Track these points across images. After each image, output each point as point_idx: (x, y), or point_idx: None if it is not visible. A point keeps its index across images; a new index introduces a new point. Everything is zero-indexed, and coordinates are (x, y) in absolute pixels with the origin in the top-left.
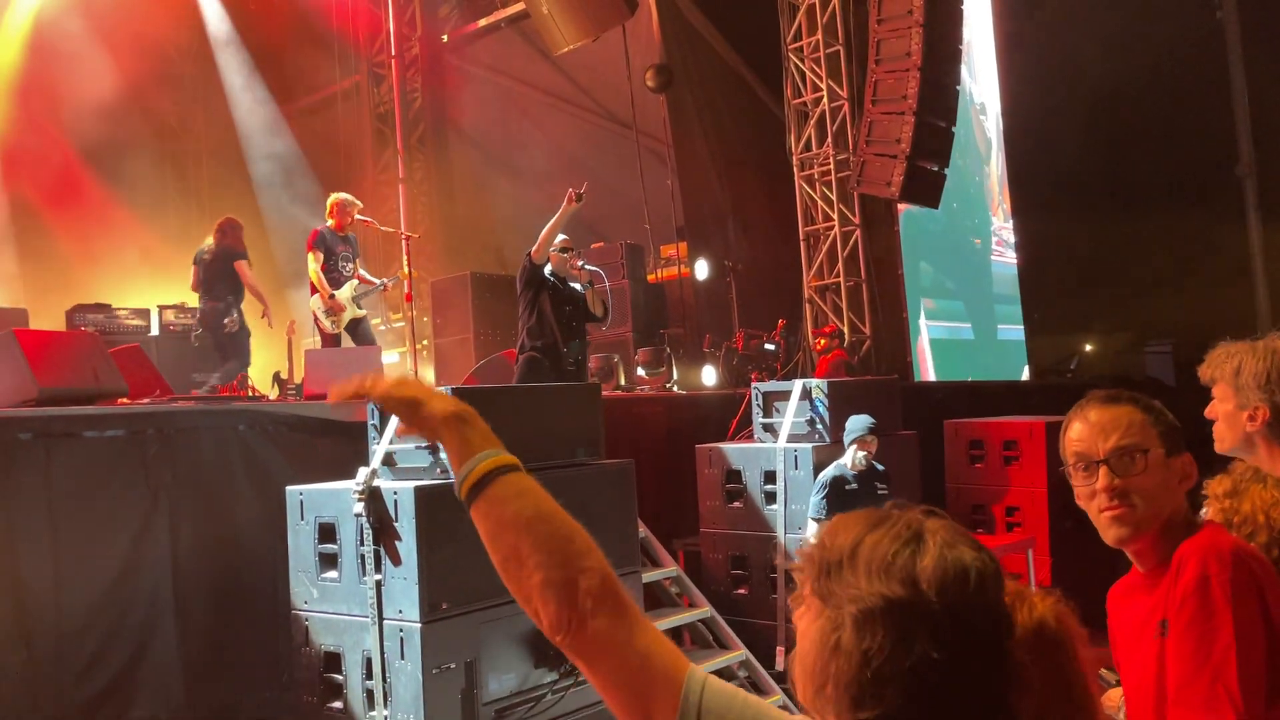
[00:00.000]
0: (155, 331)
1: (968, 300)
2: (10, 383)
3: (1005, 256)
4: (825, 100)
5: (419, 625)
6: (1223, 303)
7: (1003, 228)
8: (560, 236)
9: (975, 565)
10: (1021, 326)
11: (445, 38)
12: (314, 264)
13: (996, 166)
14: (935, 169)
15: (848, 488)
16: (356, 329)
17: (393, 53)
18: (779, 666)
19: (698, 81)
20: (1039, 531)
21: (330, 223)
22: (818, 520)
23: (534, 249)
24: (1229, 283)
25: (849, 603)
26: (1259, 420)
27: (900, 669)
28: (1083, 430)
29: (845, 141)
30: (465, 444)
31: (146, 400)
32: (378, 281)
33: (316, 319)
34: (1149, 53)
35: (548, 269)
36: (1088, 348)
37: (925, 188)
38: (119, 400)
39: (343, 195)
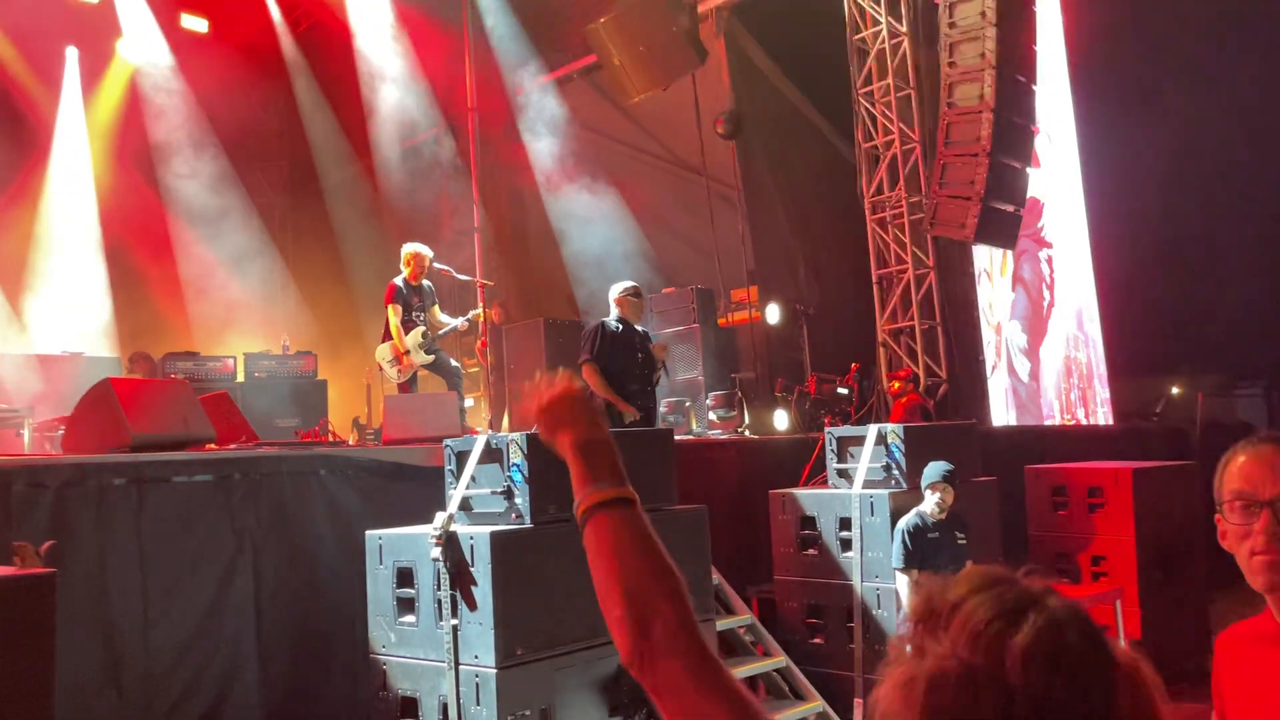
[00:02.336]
0: (241, 378)
1: None
2: (105, 429)
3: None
4: (897, 143)
5: (495, 671)
6: None
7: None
8: (630, 284)
9: (1075, 652)
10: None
11: (520, 90)
12: (394, 318)
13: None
14: (1010, 209)
15: (929, 536)
16: (436, 362)
17: (470, 104)
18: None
19: (767, 127)
20: (1127, 582)
21: (405, 273)
22: (902, 570)
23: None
24: None
25: (931, 659)
26: None
27: None
28: (1250, 468)
29: (917, 184)
30: (588, 471)
31: (233, 445)
32: (452, 321)
33: (381, 369)
34: (1234, 84)
35: (614, 315)
36: (1174, 390)
37: (1000, 229)
38: (207, 446)
39: (416, 246)
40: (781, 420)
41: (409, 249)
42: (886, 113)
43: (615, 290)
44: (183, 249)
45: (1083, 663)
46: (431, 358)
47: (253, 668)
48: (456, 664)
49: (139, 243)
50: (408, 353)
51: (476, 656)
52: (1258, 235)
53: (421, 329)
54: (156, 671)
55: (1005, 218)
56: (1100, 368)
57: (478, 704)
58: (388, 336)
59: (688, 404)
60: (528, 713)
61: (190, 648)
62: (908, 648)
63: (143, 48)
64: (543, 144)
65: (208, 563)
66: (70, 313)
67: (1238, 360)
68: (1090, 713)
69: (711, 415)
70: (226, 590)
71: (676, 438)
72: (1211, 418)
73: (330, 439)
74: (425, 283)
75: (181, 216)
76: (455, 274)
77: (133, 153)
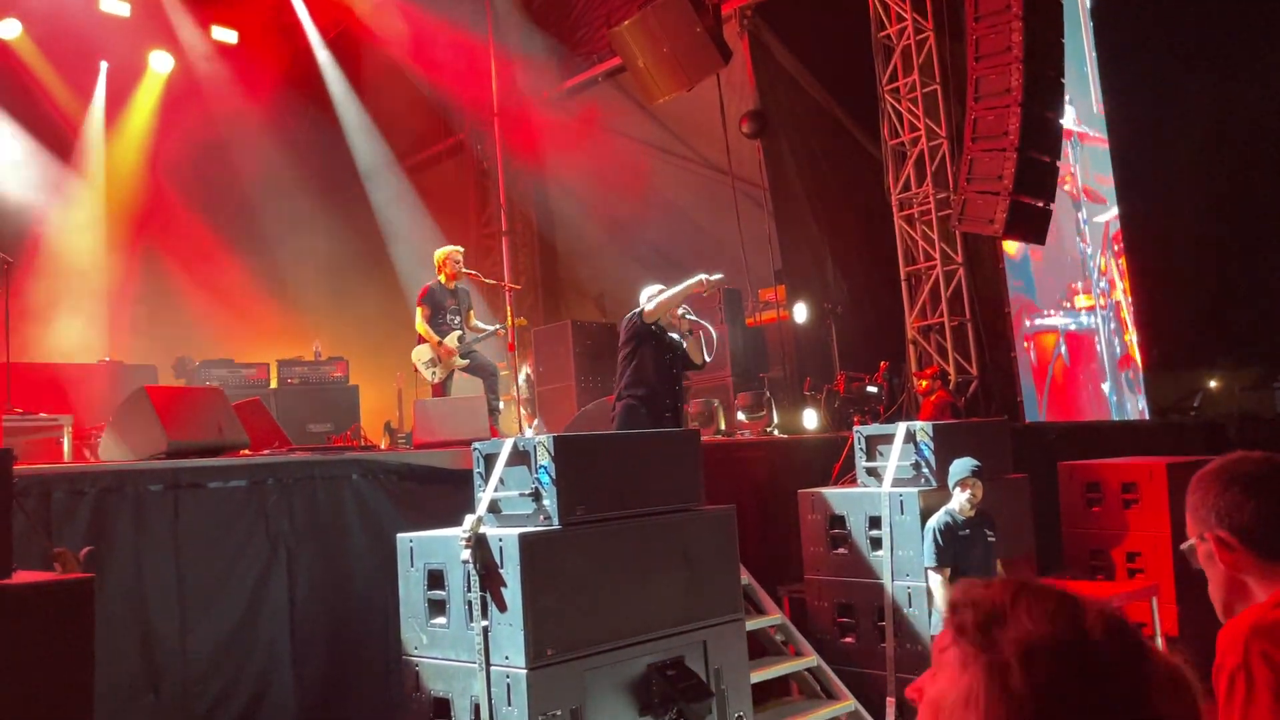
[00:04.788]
0: (274, 385)
1: None
2: (142, 436)
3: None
4: (924, 139)
5: (525, 671)
6: None
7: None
8: (702, 275)
9: (1129, 622)
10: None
11: (545, 94)
12: (420, 317)
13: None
14: (1040, 204)
15: (961, 534)
16: (472, 364)
17: (495, 110)
18: (890, 719)
19: (793, 125)
20: (1163, 578)
21: (441, 277)
22: (934, 569)
23: (648, 309)
24: None
25: (1013, 644)
26: None
27: (1069, 708)
28: None
29: (945, 180)
30: None
31: (267, 451)
32: (489, 328)
33: (417, 370)
34: (1268, 79)
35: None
36: (1211, 384)
37: (1030, 223)
38: (241, 452)
39: (449, 249)
40: (810, 419)
41: (441, 252)
42: (913, 109)
43: (647, 293)
44: (216, 256)
45: (1138, 633)
46: (466, 361)
47: (287, 670)
48: (488, 665)
49: (174, 253)
50: (440, 343)
51: (507, 657)
52: None
53: (458, 333)
54: (193, 675)
55: (1034, 212)
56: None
57: (509, 704)
58: (422, 340)
59: (716, 404)
60: (559, 713)
61: (226, 651)
62: (969, 649)
63: (174, 59)
64: (568, 147)
65: (243, 567)
66: (103, 322)
67: (1275, 353)
68: (1149, 679)
69: (740, 415)
70: (261, 593)
71: (705, 438)
72: (1248, 411)
73: (362, 443)
74: (461, 286)
75: (214, 224)
76: (483, 278)
77: (165, 161)
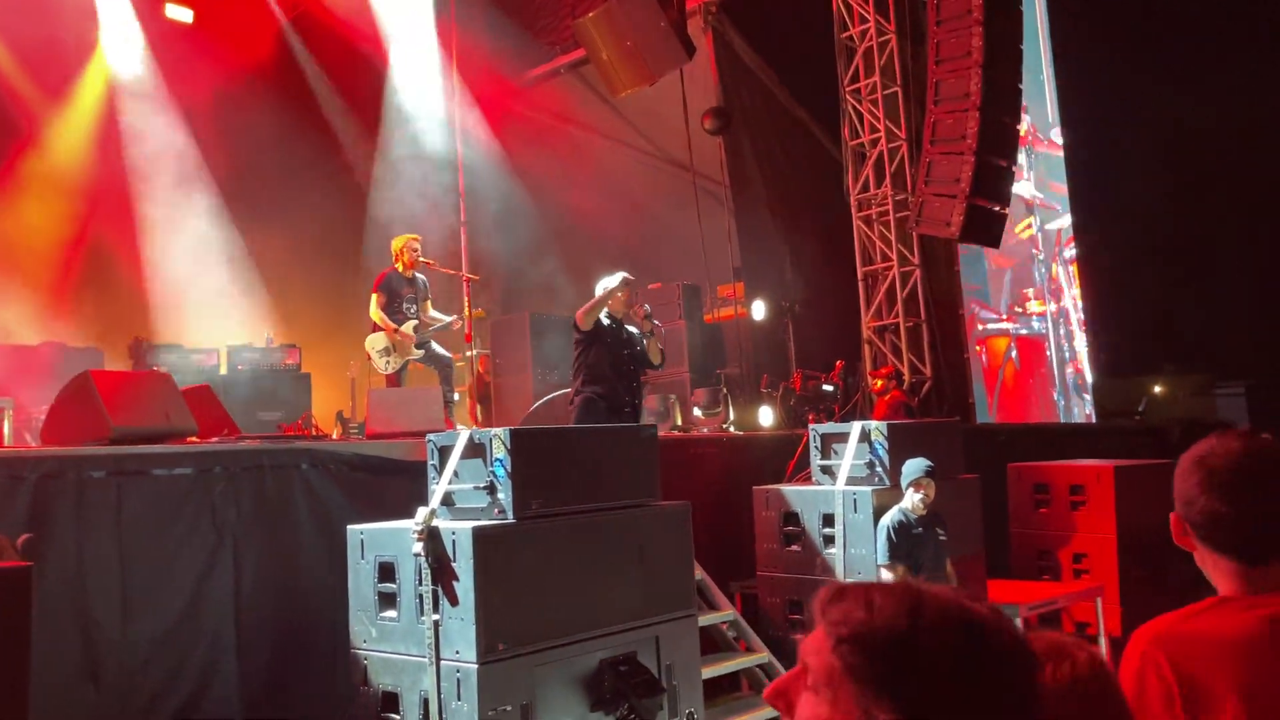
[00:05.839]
0: (224, 371)
1: None
2: (85, 421)
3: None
4: (883, 141)
5: (476, 666)
6: None
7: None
8: (622, 275)
9: (1027, 642)
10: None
11: (507, 83)
12: (375, 304)
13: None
14: (996, 208)
15: (914, 532)
16: (427, 354)
17: (455, 97)
18: None
19: (755, 123)
20: (1108, 579)
21: (398, 265)
22: (887, 567)
23: (579, 315)
24: None
25: (931, 702)
26: None
27: None
28: None
29: (903, 182)
30: None
31: (215, 439)
32: (445, 319)
33: (371, 359)
34: (1218, 87)
35: (604, 312)
36: (1156, 390)
37: (985, 227)
38: (189, 439)
39: (406, 236)
40: (766, 417)
41: (399, 239)
42: (873, 110)
43: (608, 283)
44: (166, 241)
45: (1030, 651)
46: (421, 351)
47: (231, 662)
48: (438, 659)
49: (121, 234)
50: (397, 331)
51: (458, 652)
52: (1240, 236)
53: (414, 322)
54: (134, 666)
55: (990, 216)
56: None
57: (459, 699)
58: (377, 327)
59: (673, 399)
60: (509, 708)
61: (169, 642)
62: (868, 694)
63: (123, 39)
64: (529, 137)
65: (187, 556)
66: (49, 303)
67: (1219, 360)
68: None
69: (697, 411)
70: (206, 584)
71: (661, 434)
72: (1193, 416)
73: (313, 433)
74: (419, 275)
75: (165, 207)
76: (440, 267)
77: (115, 142)
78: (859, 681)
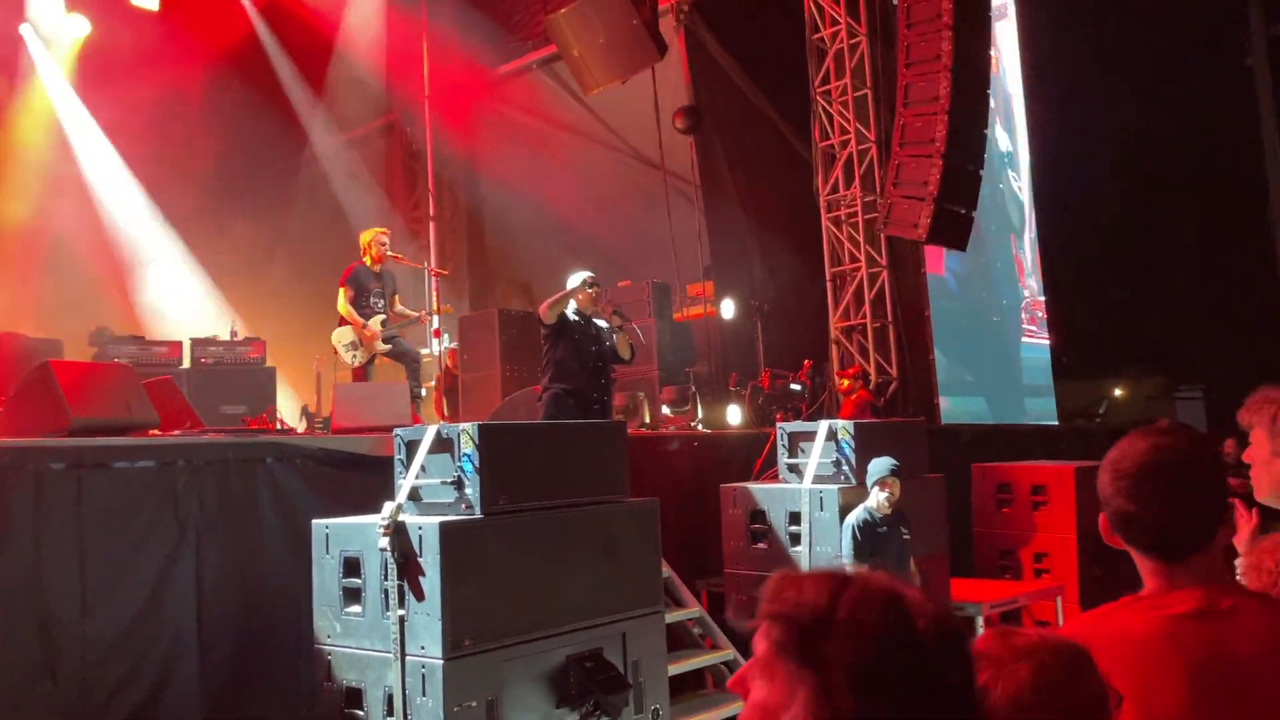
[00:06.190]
0: (187, 364)
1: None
2: (44, 413)
3: (1038, 337)
4: (853, 142)
5: (441, 662)
6: (1254, 348)
7: (1035, 302)
8: (586, 274)
9: (956, 620)
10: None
11: (478, 78)
12: (343, 298)
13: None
14: (963, 211)
15: (878, 531)
16: (394, 350)
17: (425, 92)
18: None
19: (726, 123)
20: (1068, 579)
21: (366, 259)
22: (852, 564)
23: (542, 309)
24: (1260, 328)
25: (843, 667)
26: None
27: None
28: None
29: (873, 184)
30: None
31: (177, 432)
32: (413, 314)
33: (337, 353)
34: (1179, 100)
35: (572, 308)
36: (1117, 392)
37: (952, 230)
38: (150, 432)
39: (375, 230)
40: (734, 415)
41: (367, 233)
42: (843, 112)
43: (572, 280)
44: (129, 231)
45: (960, 629)
46: (389, 346)
47: (192, 657)
48: (403, 655)
49: (82, 223)
50: (364, 326)
51: (423, 647)
52: (1199, 243)
53: (381, 316)
54: (93, 661)
55: (958, 219)
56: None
57: (424, 695)
58: (344, 321)
59: (641, 397)
60: (474, 704)
61: (129, 637)
62: (793, 667)
63: (90, 24)
64: (500, 133)
65: (149, 550)
66: (8, 292)
67: (1178, 363)
68: (973, 677)
69: (665, 409)
70: (168, 579)
71: (630, 431)
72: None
73: (278, 427)
74: (386, 269)
75: (128, 198)
76: (409, 262)
77: (77, 129)
78: (786, 658)
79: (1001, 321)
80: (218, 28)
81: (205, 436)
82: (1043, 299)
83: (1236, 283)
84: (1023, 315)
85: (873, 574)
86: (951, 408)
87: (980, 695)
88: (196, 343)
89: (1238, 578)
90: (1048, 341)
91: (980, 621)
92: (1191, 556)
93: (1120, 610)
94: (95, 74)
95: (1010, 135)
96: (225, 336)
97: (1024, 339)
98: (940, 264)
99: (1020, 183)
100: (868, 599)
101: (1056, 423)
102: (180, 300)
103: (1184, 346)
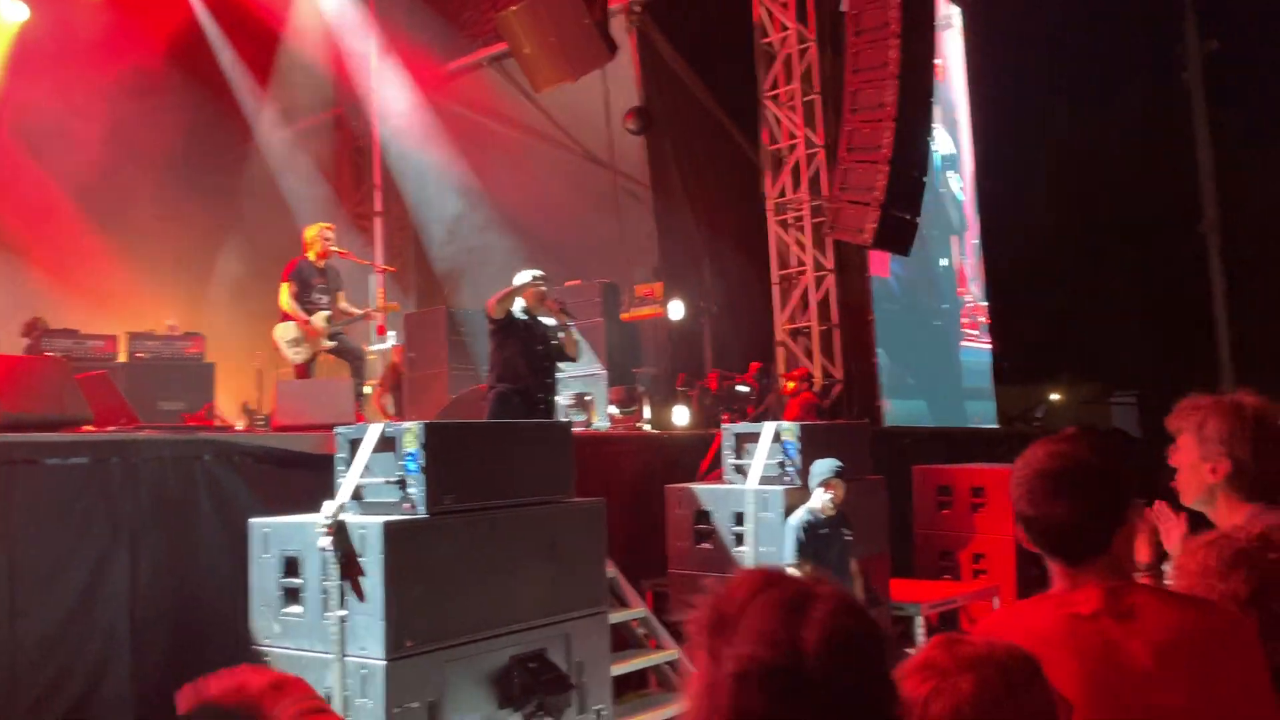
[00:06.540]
0: (123, 359)
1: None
2: None
3: (978, 341)
4: (801, 147)
5: (383, 663)
6: (1187, 355)
7: (976, 307)
8: (536, 273)
9: (860, 637)
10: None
11: (428, 73)
12: (285, 293)
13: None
14: (908, 217)
15: (821, 532)
16: (338, 347)
17: (372, 86)
18: None
19: (676, 124)
20: (1005, 579)
21: (310, 255)
22: (794, 566)
23: (489, 304)
24: (1193, 336)
25: (730, 662)
26: (1219, 474)
27: None
28: None
29: (820, 188)
30: (281, 703)
31: (112, 428)
32: (358, 311)
33: (279, 349)
34: (1117, 113)
35: (519, 307)
36: (1054, 397)
37: (898, 235)
38: (84, 428)
39: (319, 225)
40: (681, 416)
41: (312, 229)
42: (792, 116)
43: (520, 277)
44: (64, 221)
45: (866, 644)
46: (334, 343)
47: (125, 658)
48: (343, 656)
49: (15, 212)
50: (308, 321)
51: (364, 648)
52: (1135, 252)
53: (326, 313)
54: (22, 663)
55: (903, 225)
56: None
57: (364, 696)
58: (286, 317)
59: (588, 397)
60: (416, 705)
61: (60, 638)
62: (702, 654)
63: (28, 8)
64: (448, 130)
65: (81, 549)
66: None
67: (1114, 369)
68: (881, 689)
69: (613, 409)
70: (100, 579)
71: (577, 431)
72: (1087, 423)
73: (217, 424)
74: (332, 266)
75: (65, 186)
76: (355, 258)
77: (12, 117)
78: (694, 648)
79: (943, 326)
80: (163, 18)
81: (141, 433)
82: (984, 304)
83: (1170, 292)
84: (963, 320)
85: (805, 580)
86: (894, 409)
87: (920, 707)
88: (134, 337)
89: (1166, 581)
90: (988, 346)
91: (920, 621)
92: (1091, 559)
93: (1029, 607)
94: (33, 60)
95: (954, 138)
96: (163, 331)
97: (964, 343)
98: (885, 267)
99: (962, 184)
100: (770, 603)
101: (997, 426)
102: (119, 294)
103: (1119, 354)
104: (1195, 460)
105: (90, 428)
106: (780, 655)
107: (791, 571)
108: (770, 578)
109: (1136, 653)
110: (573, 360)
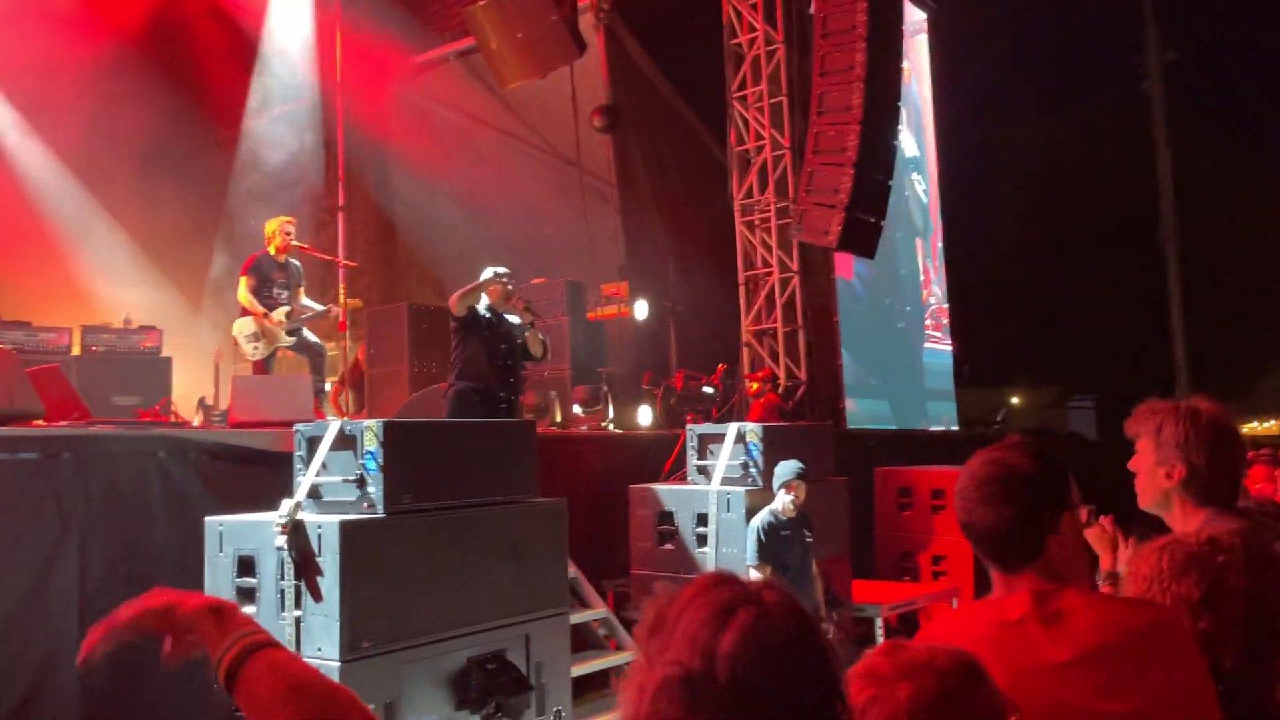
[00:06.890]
0: (76, 352)
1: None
2: None
3: (941, 343)
4: (768, 148)
5: (339, 664)
6: (1143, 361)
7: (940, 309)
8: (501, 270)
9: (784, 643)
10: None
11: (393, 67)
12: (244, 287)
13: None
14: (872, 220)
15: (782, 533)
16: (298, 342)
17: (337, 78)
18: None
19: (644, 124)
20: (964, 581)
21: (270, 249)
22: (756, 567)
23: (452, 300)
24: (1150, 342)
25: (660, 667)
26: (1175, 478)
27: None
28: None
29: (786, 189)
30: (221, 633)
31: (64, 423)
32: (319, 307)
33: (238, 344)
34: (1079, 121)
35: (484, 304)
36: (1014, 400)
37: (862, 238)
38: (34, 422)
39: (280, 219)
40: (645, 416)
41: (272, 222)
42: (759, 117)
43: (484, 275)
44: (15, 211)
45: (792, 652)
46: (292, 339)
47: (71, 658)
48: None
49: None
50: (267, 315)
51: (320, 649)
52: (1095, 258)
53: (286, 308)
54: None
55: (868, 227)
56: None
57: None
58: (246, 312)
59: (552, 396)
60: (372, 707)
61: (5, 635)
62: (640, 657)
63: None
64: (413, 125)
65: (27, 546)
66: None
67: (1072, 374)
68: (807, 698)
69: (576, 408)
70: (49, 575)
71: (540, 430)
72: (1046, 426)
73: (172, 419)
74: (293, 261)
75: (17, 173)
76: (316, 252)
77: None
78: (639, 654)
79: (906, 327)
80: (122, 7)
81: (93, 428)
82: (946, 306)
83: (1127, 299)
84: (927, 321)
85: (749, 585)
86: (857, 410)
87: (860, 714)
88: (87, 330)
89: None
90: (950, 348)
91: (879, 622)
92: (1024, 565)
93: (967, 613)
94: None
95: (919, 140)
96: (118, 324)
97: (927, 344)
98: (849, 268)
99: (925, 186)
100: (702, 608)
101: (958, 427)
102: (73, 286)
103: (1078, 358)
104: (1151, 465)
105: (41, 422)
106: (698, 661)
107: (753, 574)
108: (714, 581)
109: (1056, 660)
110: (538, 359)
